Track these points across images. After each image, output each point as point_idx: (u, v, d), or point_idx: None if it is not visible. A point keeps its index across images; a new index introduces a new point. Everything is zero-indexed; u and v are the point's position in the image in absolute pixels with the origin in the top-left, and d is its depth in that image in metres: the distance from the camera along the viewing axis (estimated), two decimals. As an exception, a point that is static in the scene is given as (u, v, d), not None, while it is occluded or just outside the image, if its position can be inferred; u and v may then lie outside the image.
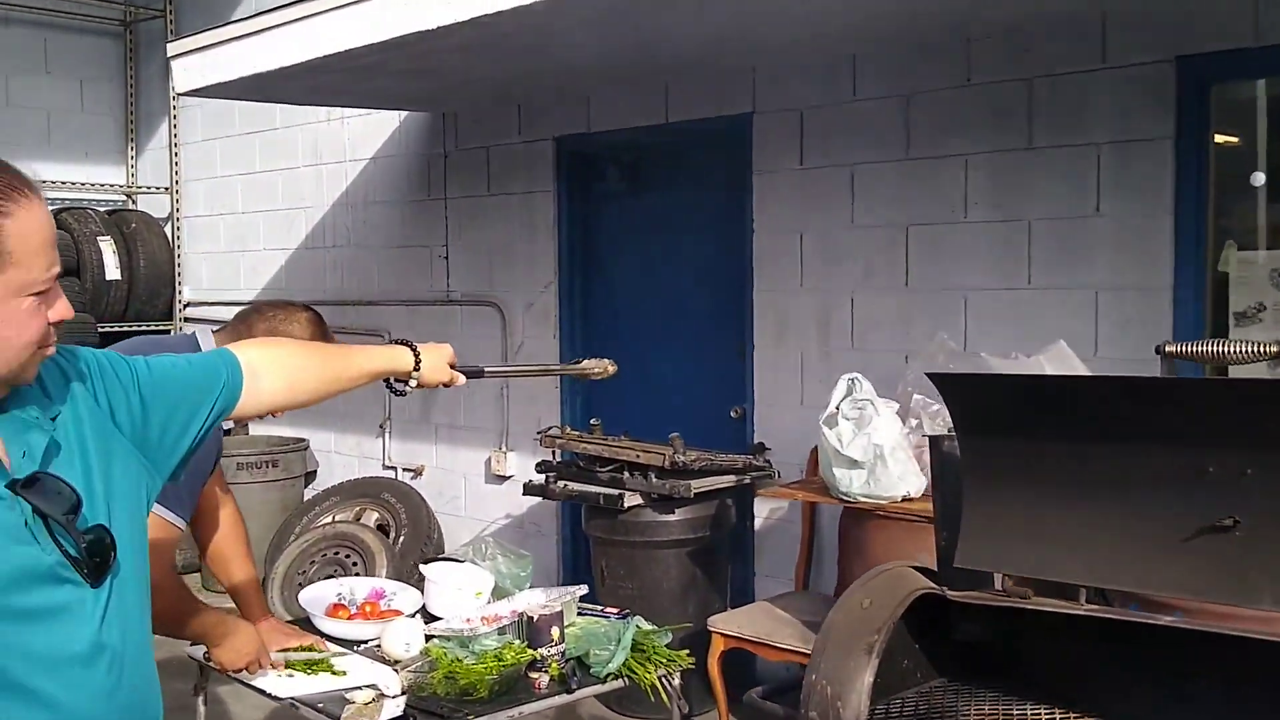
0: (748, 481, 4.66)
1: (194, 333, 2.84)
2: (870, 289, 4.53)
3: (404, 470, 6.46)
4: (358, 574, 5.60)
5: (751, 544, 4.97)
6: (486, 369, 2.37)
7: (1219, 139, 3.78)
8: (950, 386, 2.16)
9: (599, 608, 3.30)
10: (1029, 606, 2.09)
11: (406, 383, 2.12)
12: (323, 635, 3.11)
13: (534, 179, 5.72)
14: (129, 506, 1.56)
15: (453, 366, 2.19)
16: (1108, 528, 2.04)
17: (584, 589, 3.26)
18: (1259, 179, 3.74)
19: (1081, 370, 3.61)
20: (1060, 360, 3.63)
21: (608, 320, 5.62)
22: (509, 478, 5.93)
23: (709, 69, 4.90)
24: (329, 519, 6.13)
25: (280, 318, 2.80)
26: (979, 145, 4.20)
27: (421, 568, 3.40)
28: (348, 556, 5.75)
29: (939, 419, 3.82)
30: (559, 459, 5.04)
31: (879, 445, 3.69)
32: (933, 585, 2.21)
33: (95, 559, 1.47)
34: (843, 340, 4.61)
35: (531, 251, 5.76)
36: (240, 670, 2.79)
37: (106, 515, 1.52)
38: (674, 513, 4.52)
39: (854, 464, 3.73)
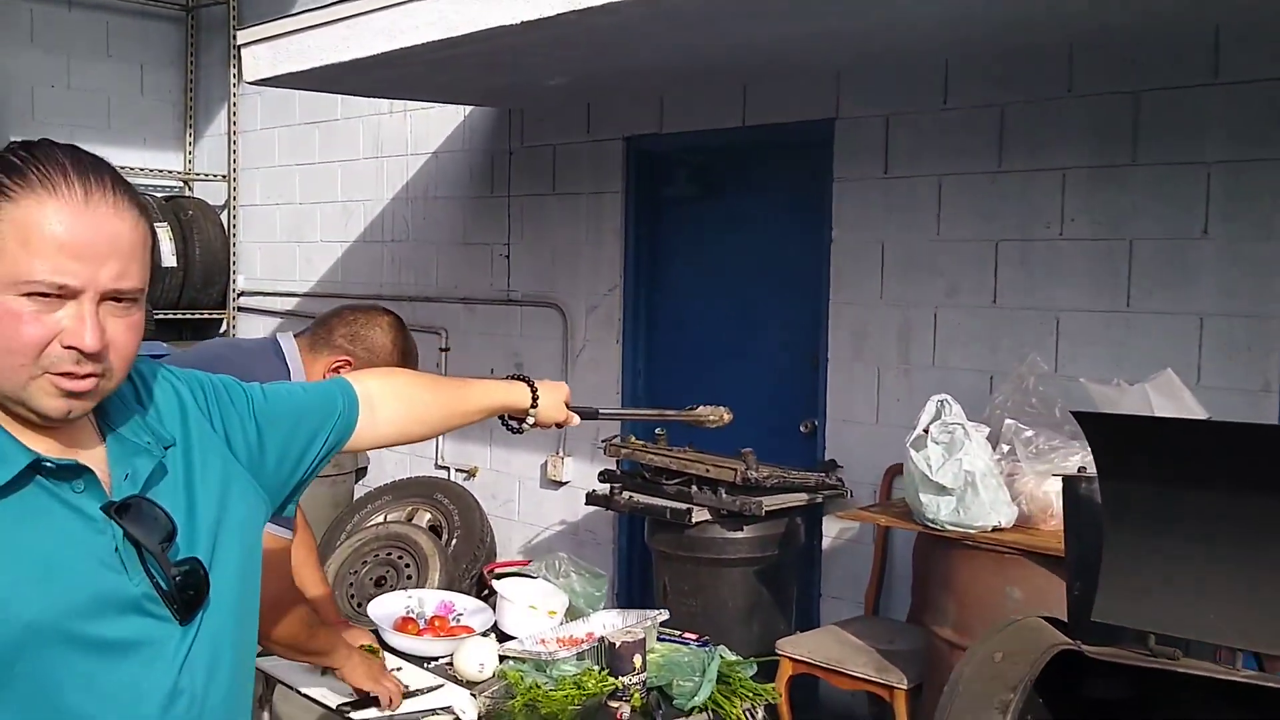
0: (820, 500, 4.52)
1: (274, 334, 2.73)
2: (954, 305, 4.36)
3: (457, 470, 6.35)
4: (410, 576, 5.49)
5: (819, 564, 4.81)
6: (601, 410, 2.25)
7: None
8: (1094, 426, 2.00)
9: (677, 633, 3.16)
10: (1179, 669, 1.93)
11: (524, 420, 2.04)
12: (393, 651, 2.99)
13: (601, 179, 5.59)
14: (242, 537, 1.44)
15: (567, 405, 2.11)
16: (1266, 586, 1.88)
17: (664, 614, 3.12)
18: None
19: (1190, 400, 3.43)
20: (1168, 390, 3.45)
21: (673, 327, 5.48)
22: (565, 483, 5.80)
23: (790, 71, 4.75)
24: (381, 518, 6.03)
25: (362, 321, 2.69)
26: (1078, 159, 4.02)
27: (494, 583, 3.28)
28: (400, 557, 5.64)
29: (1032, 446, 3.65)
30: (622, 468, 4.91)
31: (970, 472, 3.52)
32: (1069, 640, 2.05)
33: (187, 593, 1.35)
34: (923, 357, 4.45)
35: (596, 253, 5.63)
36: (369, 691, 2.66)
37: (211, 547, 1.39)
38: (742, 530, 4.38)
39: (942, 490, 3.56)
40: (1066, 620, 2.14)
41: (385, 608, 3.22)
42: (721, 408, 2.33)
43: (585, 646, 2.91)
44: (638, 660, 2.80)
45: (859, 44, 4.19)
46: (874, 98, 4.55)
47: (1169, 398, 3.43)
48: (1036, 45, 4.08)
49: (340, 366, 2.60)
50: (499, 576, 3.34)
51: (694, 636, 3.14)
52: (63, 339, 1.26)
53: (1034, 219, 4.13)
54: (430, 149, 6.43)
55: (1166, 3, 3.58)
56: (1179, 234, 3.81)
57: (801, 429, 4.92)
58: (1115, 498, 2.01)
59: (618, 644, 2.80)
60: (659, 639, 3.07)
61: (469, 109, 6.18)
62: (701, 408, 2.33)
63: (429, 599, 3.34)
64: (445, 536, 5.91)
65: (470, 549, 5.87)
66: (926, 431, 3.64)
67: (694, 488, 4.42)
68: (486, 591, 5.91)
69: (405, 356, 2.70)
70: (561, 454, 5.80)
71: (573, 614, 3.23)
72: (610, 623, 3.13)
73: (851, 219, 4.64)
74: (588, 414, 2.19)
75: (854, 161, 4.63)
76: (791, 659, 4.10)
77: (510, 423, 2.10)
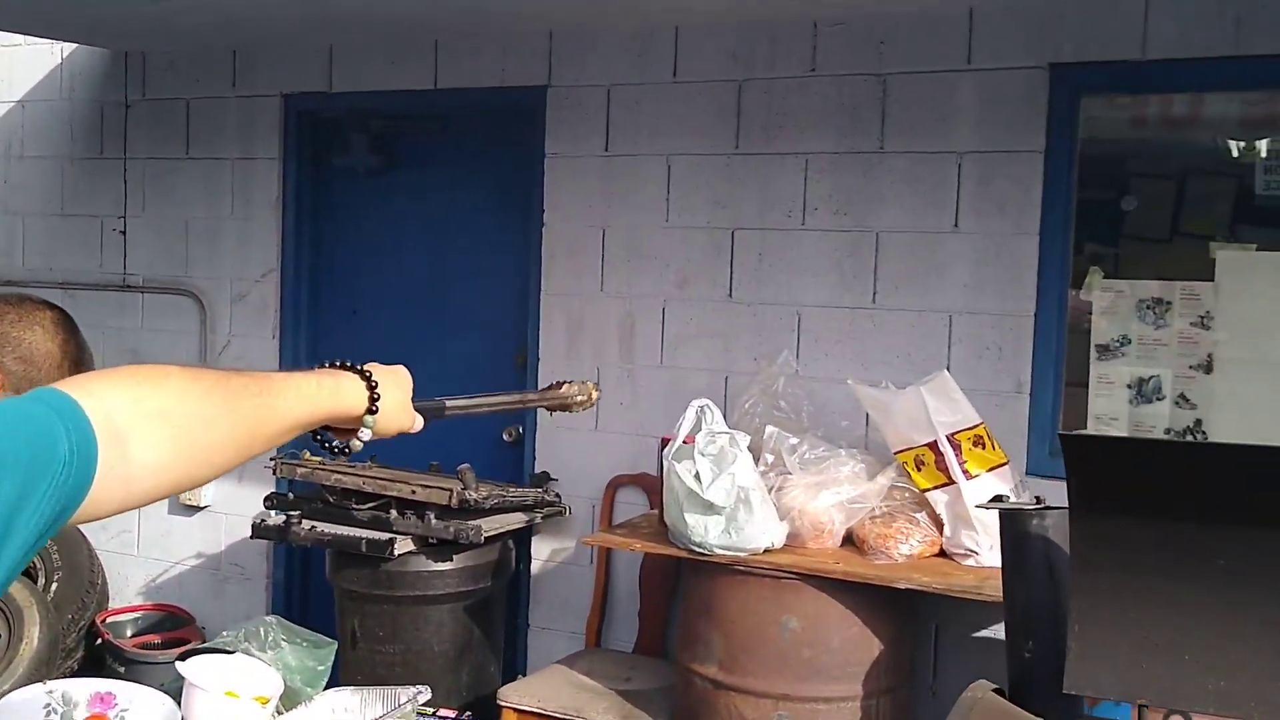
0: (539, 520, 3.95)
1: None
2: (686, 298, 3.95)
3: (54, 496, 5.13)
4: (0, 636, 4.31)
5: (527, 593, 4.24)
6: (448, 404, 1.54)
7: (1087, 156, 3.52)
8: (1078, 450, 1.60)
9: (431, 711, 2.48)
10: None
11: (354, 435, 1.31)
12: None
13: (252, 142, 4.67)
14: None
15: None
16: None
17: (426, 691, 2.43)
18: (1130, 203, 3.52)
19: (965, 403, 3.22)
20: (943, 392, 3.22)
21: (347, 320, 4.68)
22: (203, 508, 4.82)
23: (493, 29, 4.14)
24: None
25: (10, 318, 1.79)
26: (822, 144, 3.73)
27: (178, 666, 2.42)
28: (-17, 614, 4.41)
29: (796, 456, 3.30)
30: (295, 491, 4.08)
31: (744, 487, 3.11)
32: (1045, 722, 1.64)
33: None
34: (650, 355, 4.00)
35: (245, 231, 4.71)
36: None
37: None
38: (452, 560, 3.73)
39: (711, 509, 3.13)
40: (1009, 688, 1.73)
41: (18, 710, 2.29)
42: (589, 383, 1.71)
43: (325, 749, 2.18)
44: (406, 764, 2.12)
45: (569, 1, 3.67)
46: (593, 65, 4.05)
47: (944, 400, 3.20)
48: (777, 20, 3.75)
49: None
50: (185, 656, 2.48)
51: (453, 713, 2.48)
52: None
53: (774, 206, 3.81)
54: (13, 96, 5.17)
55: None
56: (928, 227, 3.61)
57: (505, 437, 4.32)
58: (1089, 538, 1.62)
59: (379, 745, 2.11)
60: (415, 722, 2.38)
61: (68, 47, 5.01)
62: (566, 385, 1.70)
63: (76, 691, 2.42)
64: (43, 580, 4.72)
65: (77, 594, 4.73)
66: (688, 442, 3.19)
67: (394, 513, 3.71)
68: (100, 641, 4.82)
69: (77, 367, 1.84)
70: (199, 472, 4.80)
71: (289, 699, 2.45)
72: (344, 706, 2.39)
73: (567, 201, 4.11)
74: (432, 412, 1.47)
75: (570, 136, 4.10)
76: (517, 710, 3.51)
77: (336, 443, 1.36)
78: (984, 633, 3.58)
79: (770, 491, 3.23)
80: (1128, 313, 3.47)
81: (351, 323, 4.68)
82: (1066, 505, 1.79)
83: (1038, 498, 1.79)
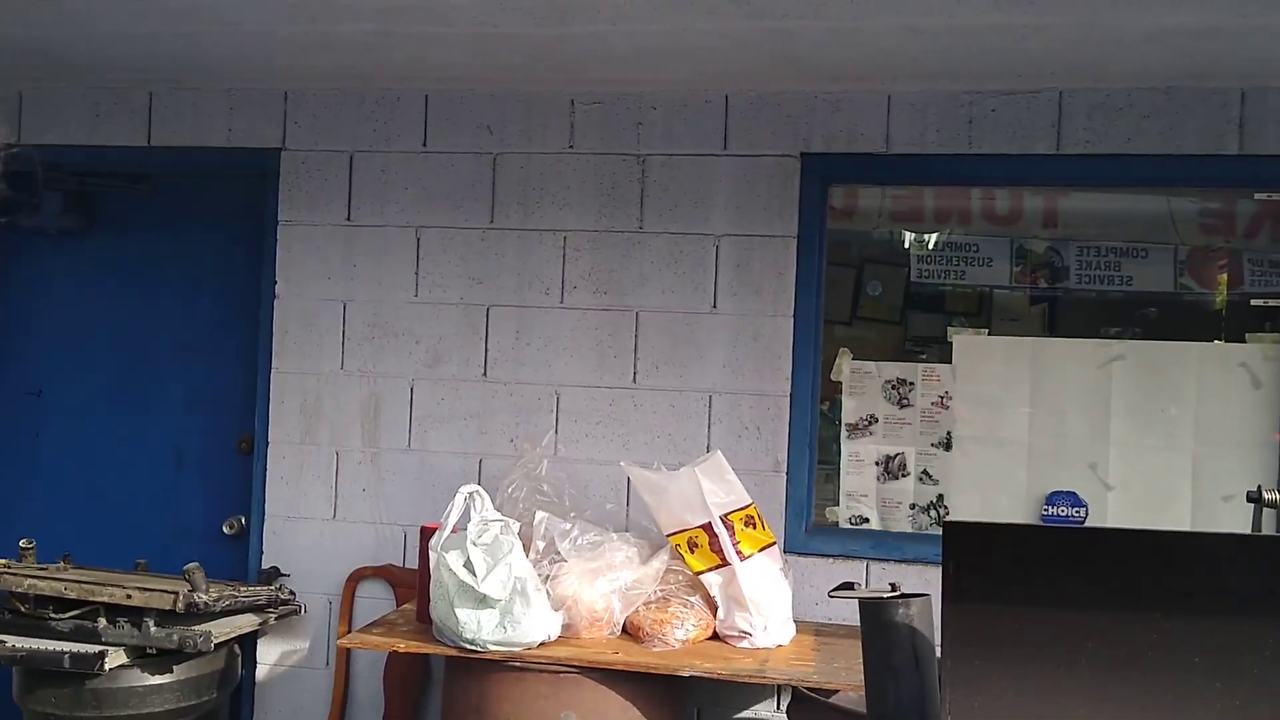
0: (273, 621, 3.58)
1: None
2: (437, 378, 3.75)
3: None
4: None
5: (251, 703, 3.82)
6: None
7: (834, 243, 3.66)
8: (958, 537, 1.58)
9: None
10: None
11: None
12: None
13: (-84, 196, 4.04)
14: None
15: None
16: None
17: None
18: (876, 288, 3.68)
19: (737, 484, 3.21)
20: (715, 473, 3.19)
21: (28, 402, 4.10)
22: None
23: (216, 84, 3.82)
24: None
25: None
26: (581, 222, 3.68)
27: None
28: None
29: (569, 542, 3.17)
30: (-30, 600, 3.49)
31: (521, 579, 2.94)
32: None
33: None
34: (397, 438, 3.75)
35: (-97, 297, 4.05)
36: None
37: None
38: (172, 671, 3.29)
39: (484, 603, 2.92)
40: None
41: None
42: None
43: None
44: None
45: (301, 56, 3.44)
46: (335, 129, 3.81)
47: (717, 481, 3.18)
48: (532, 94, 3.68)
49: None
50: None
51: None
52: None
53: (532, 284, 3.70)
54: None
55: (679, 70, 3.42)
56: (687, 307, 3.62)
57: (225, 529, 3.90)
58: (964, 625, 1.60)
59: None
60: None
61: None
62: None
63: None
64: None
65: None
66: (467, 531, 2.98)
67: (104, 621, 3.23)
68: None
69: None
70: None
71: None
72: None
73: (303, 271, 3.81)
74: None
75: (307, 203, 3.82)
76: (255, 839, 3.12)
77: None
78: (744, 714, 3.57)
79: (544, 581, 3.08)
80: (874, 393, 3.62)
81: (34, 405, 4.11)
82: (919, 593, 1.78)
83: (893, 585, 1.76)
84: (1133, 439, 3.49)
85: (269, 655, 3.82)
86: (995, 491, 3.56)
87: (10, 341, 4.12)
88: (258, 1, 2.97)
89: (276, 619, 3.58)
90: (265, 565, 3.79)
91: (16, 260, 4.12)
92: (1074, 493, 3.50)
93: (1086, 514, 3.49)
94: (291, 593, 3.69)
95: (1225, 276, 3.84)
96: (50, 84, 3.92)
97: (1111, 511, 3.47)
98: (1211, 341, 3.65)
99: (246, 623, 3.43)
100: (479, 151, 3.73)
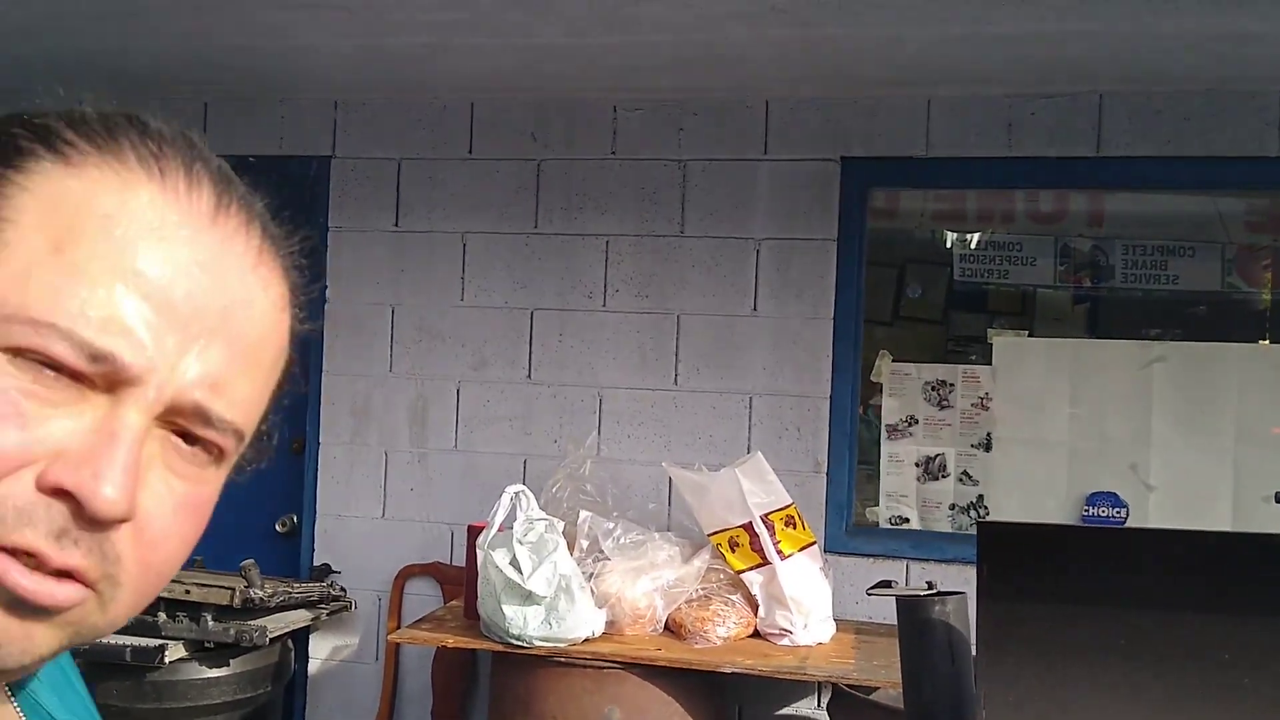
0: (325, 617, 3.68)
1: None
2: (482, 380, 3.83)
3: None
4: None
5: (304, 696, 3.92)
6: None
7: (875, 246, 3.70)
8: (993, 537, 1.62)
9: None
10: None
11: None
12: None
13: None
14: None
15: None
16: None
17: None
18: (916, 290, 3.72)
19: (777, 484, 3.26)
20: (756, 474, 3.24)
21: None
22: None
23: (273, 92, 3.92)
24: None
25: None
26: (623, 227, 3.74)
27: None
28: None
29: (611, 541, 3.24)
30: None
31: (565, 576, 3.01)
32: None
33: None
34: (444, 439, 3.84)
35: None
36: None
37: None
38: (229, 665, 3.39)
39: (530, 599, 3.00)
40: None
41: None
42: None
43: None
44: None
45: (353, 68, 3.53)
46: (383, 137, 3.90)
47: (758, 481, 3.23)
48: (574, 101, 3.75)
49: None
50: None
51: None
52: (52, 472, 0.55)
53: (575, 287, 3.77)
54: None
55: (720, 77, 3.47)
56: (728, 310, 3.68)
57: (278, 528, 4.01)
58: (998, 623, 1.64)
59: None
60: None
61: None
62: None
63: None
64: None
65: None
66: (514, 530, 3.06)
67: (163, 615, 3.34)
68: None
69: None
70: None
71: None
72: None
73: (353, 276, 3.91)
74: None
75: (357, 210, 3.91)
76: (308, 828, 3.21)
77: None
78: (785, 711, 3.62)
79: (588, 579, 3.14)
80: (914, 394, 3.65)
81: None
82: (955, 590, 1.82)
83: (930, 583, 1.81)
84: (1174, 440, 3.50)
85: (321, 650, 3.92)
86: (1036, 492, 3.58)
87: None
88: (312, 17, 3.06)
89: (328, 615, 3.68)
90: (317, 562, 3.89)
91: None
92: (1115, 493, 3.52)
93: (1127, 515, 3.50)
94: (342, 589, 3.79)
95: (1270, 275, 3.84)
96: (111, 97, 4.03)
97: (1152, 512, 3.49)
98: (1256, 342, 3.64)
99: (299, 618, 3.53)
100: (523, 158, 3.80)
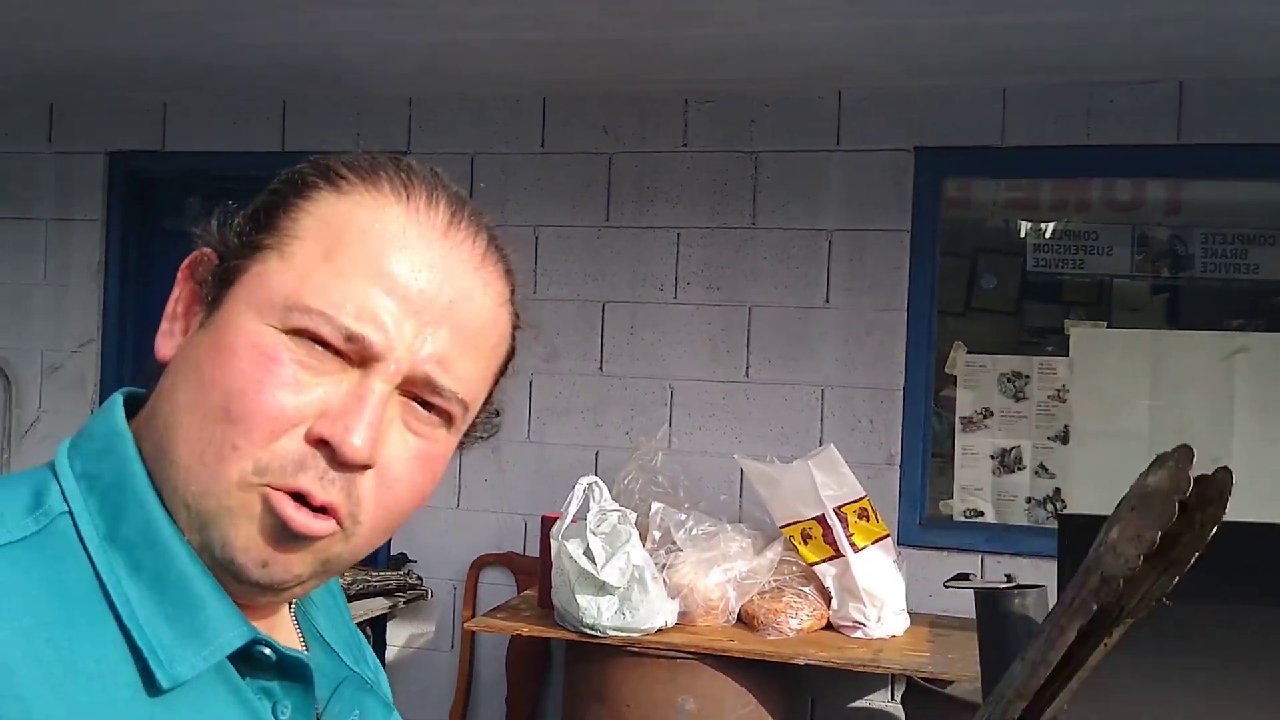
0: (401, 605, 3.74)
1: None
2: (554, 372, 3.87)
3: None
4: None
5: (382, 680, 4.00)
6: None
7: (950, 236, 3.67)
8: (1073, 530, 1.61)
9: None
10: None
11: None
12: None
13: (70, 203, 4.32)
14: None
15: None
16: None
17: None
18: (990, 281, 3.68)
19: (850, 476, 3.25)
20: (829, 466, 3.24)
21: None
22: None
23: (349, 90, 3.99)
24: None
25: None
26: (694, 219, 3.75)
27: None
28: None
29: (684, 532, 3.25)
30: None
31: (638, 566, 3.03)
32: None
33: None
34: (516, 430, 3.89)
35: (60, 297, 4.32)
36: None
37: None
38: (310, 651, 3.47)
39: (603, 589, 3.03)
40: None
41: None
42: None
43: None
44: None
45: (426, 64, 3.58)
46: (456, 131, 3.95)
47: (830, 474, 3.23)
48: (646, 95, 3.77)
49: None
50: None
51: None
52: (316, 426, 0.74)
53: (646, 280, 3.79)
54: None
55: (792, 68, 3.46)
56: (800, 302, 3.67)
57: (356, 518, 4.09)
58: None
59: None
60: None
61: None
62: None
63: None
64: None
65: None
66: (586, 521, 3.09)
67: (247, 603, 3.43)
68: None
69: None
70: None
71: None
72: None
73: (427, 270, 3.96)
74: None
75: (431, 203, 3.97)
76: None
77: None
78: (859, 703, 3.61)
79: (660, 569, 3.17)
80: (989, 386, 3.62)
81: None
82: (1035, 584, 1.81)
83: (1008, 576, 1.80)
84: (1257, 431, 3.43)
85: (398, 637, 3.99)
86: (1114, 485, 3.48)
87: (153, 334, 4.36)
88: (387, 14, 3.12)
89: (405, 603, 3.75)
90: (394, 552, 3.95)
91: (160, 260, 4.37)
92: (1195, 487, 3.45)
93: (1208, 509, 3.44)
94: (419, 578, 3.85)
95: (1356, 265, 3.74)
96: (192, 94, 4.14)
97: (1233, 504, 3.41)
98: (1341, 332, 3.55)
99: (378, 606, 3.60)
100: (595, 152, 3.83)
